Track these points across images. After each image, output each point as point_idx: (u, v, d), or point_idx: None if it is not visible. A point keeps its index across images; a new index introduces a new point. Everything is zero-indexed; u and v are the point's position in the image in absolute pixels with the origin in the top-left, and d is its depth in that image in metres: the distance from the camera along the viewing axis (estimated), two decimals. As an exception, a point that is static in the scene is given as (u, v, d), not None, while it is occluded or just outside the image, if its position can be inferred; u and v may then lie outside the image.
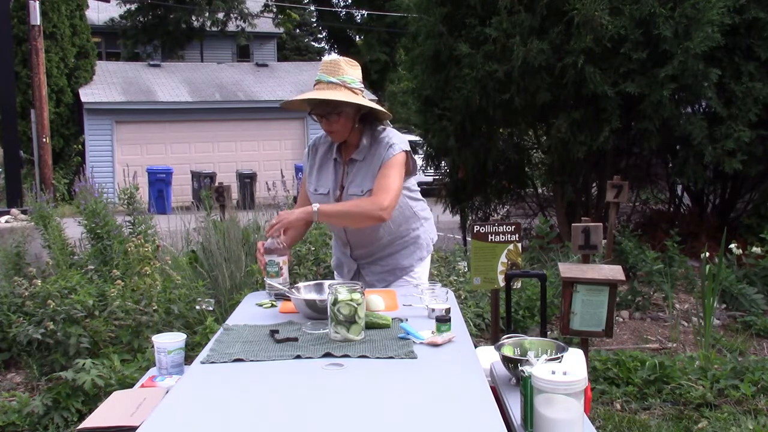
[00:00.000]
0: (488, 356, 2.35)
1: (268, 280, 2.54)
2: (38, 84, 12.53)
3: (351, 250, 2.88)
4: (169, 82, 17.89)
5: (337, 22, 26.26)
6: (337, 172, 2.77)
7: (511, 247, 3.68)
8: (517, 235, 3.66)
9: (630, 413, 3.59)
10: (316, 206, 2.57)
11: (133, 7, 22.39)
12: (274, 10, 24.51)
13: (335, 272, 3.07)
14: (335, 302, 1.98)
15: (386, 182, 2.60)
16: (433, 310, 2.21)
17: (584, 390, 1.79)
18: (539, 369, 1.81)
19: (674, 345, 4.74)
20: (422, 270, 2.94)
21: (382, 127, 2.74)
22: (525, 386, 1.86)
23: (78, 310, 4.09)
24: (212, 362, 1.85)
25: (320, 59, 26.66)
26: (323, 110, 2.64)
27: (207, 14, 22.52)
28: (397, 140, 2.68)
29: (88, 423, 1.96)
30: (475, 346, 2.16)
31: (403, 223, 2.83)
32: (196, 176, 15.21)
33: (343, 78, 2.60)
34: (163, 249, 5.26)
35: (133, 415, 1.96)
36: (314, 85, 2.66)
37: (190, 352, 3.08)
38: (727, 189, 7.87)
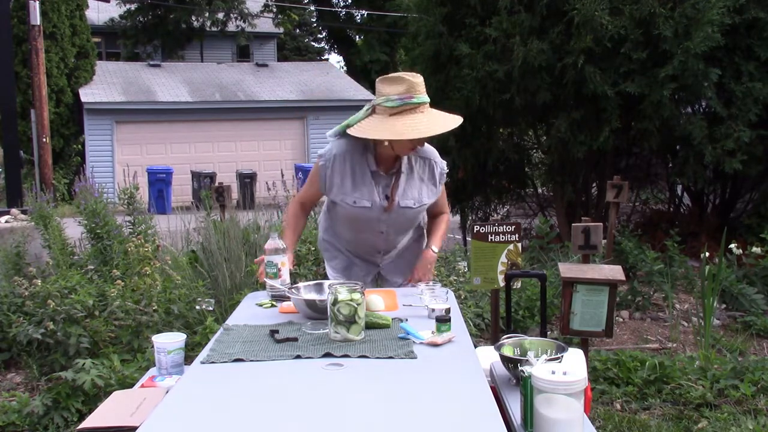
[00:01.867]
0: (488, 356, 2.35)
1: (267, 281, 2.54)
2: (38, 84, 12.53)
3: (382, 256, 2.97)
4: (169, 82, 17.89)
5: (337, 22, 26.25)
6: (378, 184, 2.76)
7: (511, 247, 3.68)
8: (517, 235, 3.66)
9: (630, 413, 3.59)
10: (435, 248, 2.92)
11: (133, 7, 22.37)
12: (274, 10, 24.50)
13: (341, 276, 3.00)
14: (335, 302, 1.98)
15: (444, 192, 2.99)
16: (433, 310, 2.21)
17: (584, 390, 1.79)
18: (539, 369, 1.82)
19: (674, 345, 4.74)
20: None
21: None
22: (525, 386, 1.87)
23: (78, 310, 4.09)
24: (212, 362, 1.85)
25: (320, 59, 26.75)
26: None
27: (207, 14, 22.50)
28: (440, 158, 2.90)
29: (88, 423, 1.96)
30: (475, 346, 2.16)
31: (422, 219, 3.04)
32: (196, 176, 15.21)
33: (426, 96, 2.63)
34: (163, 249, 5.26)
35: (133, 415, 1.96)
36: (417, 107, 2.58)
37: (190, 352, 3.07)
38: (727, 189, 7.86)
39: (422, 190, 2.82)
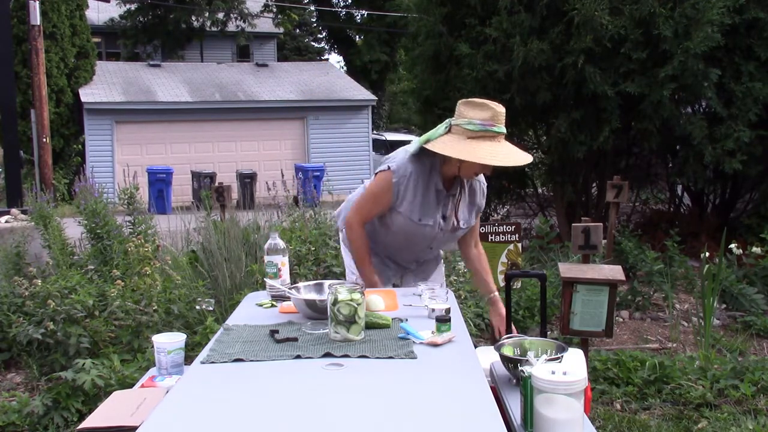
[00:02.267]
0: (488, 356, 2.35)
1: (267, 281, 2.54)
2: (38, 84, 12.52)
3: (418, 264, 3.04)
4: (169, 82, 17.89)
5: (337, 22, 26.25)
6: (441, 204, 2.80)
7: (511, 247, 3.69)
8: (517, 235, 3.67)
9: (630, 413, 3.59)
10: (494, 294, 2.99)
11: (133, 7, 22.37)
12: (274, 10, 24.50)
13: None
14: (335, 302, 1.98)
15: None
16: (433, 310, 2.21)
17: (584, 390, 1.79)
18: (539, 369, 1.82)
19: (674, 345, 4.74)
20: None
21: None
22: (525, 386, 1.86)
23: (78, 310, 4.09)
24: (212, 362, 1.85)
25: (320, 59, 26.73)
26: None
27: (207, 14, 22.49)
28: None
29: (88, 423, 1.96)
30: (475, 346, 2.16)
31: None
32: (196, 176, 15.20)
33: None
34: (163, 249, 5.26)
35: (133, 415, 1.96)
36: (496, 136, 2.61)
37: (190, 352, 3.07)
38: (727, 189, 7.87)
39: (471, 210, 2.91)
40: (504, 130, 2.63)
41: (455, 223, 2.84)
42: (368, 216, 2.84)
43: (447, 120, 2.71)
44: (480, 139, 2.59)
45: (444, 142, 2.64)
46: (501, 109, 2.62)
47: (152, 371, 2.41)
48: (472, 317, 4.73)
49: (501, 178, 8.04)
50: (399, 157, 2.79)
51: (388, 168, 2.77)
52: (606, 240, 5.60)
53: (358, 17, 26.20)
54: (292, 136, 17.78)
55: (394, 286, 3.00)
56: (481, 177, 2.89)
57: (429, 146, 2.66)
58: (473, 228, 3.00)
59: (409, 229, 2.81)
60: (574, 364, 1.92)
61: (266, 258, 2.57)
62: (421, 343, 1.98)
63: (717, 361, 4.12)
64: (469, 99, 2.69)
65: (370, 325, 2.08)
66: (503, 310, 2.94)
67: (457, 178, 2.80)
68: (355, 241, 2.85)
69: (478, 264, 3.05)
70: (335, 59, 32.08)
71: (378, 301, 2.33)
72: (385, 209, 2.80)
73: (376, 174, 2.85)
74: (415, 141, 2.79)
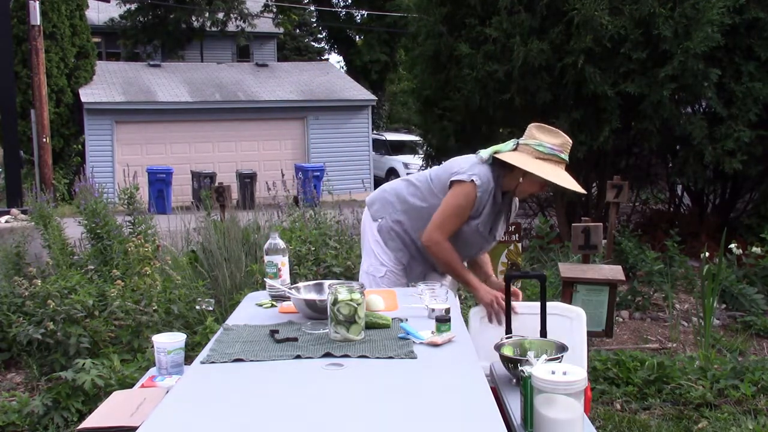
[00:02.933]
0: (488, 356, 2.35)
1: (267, 281, 2.54)
2: (38, 84, 12.52)
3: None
4: (169, 82, 17.88)
5: (337, 22, 26.25)
6: (495, 217, 2.93)
7: (511, 247, 3.69)
8: (517, 235, 3.67)
9: (630, 413, 3.59)
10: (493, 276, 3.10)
11: (133, 7, 22.36)
12: (274, 10, 24.49)
13: (396, 264, 3.03)
14: (335, 302, 1.98)
15: None
16: (433, 310, 2.21)
17: (584, 390, 1.79)
18: (539, 369, 1.82)
19: (674, 345, 4.74)
20: None
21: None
22: (525, 386, 1.87)
23: (78, 310, 4.09)
24: (212, 362, 1.85)
25: (320, 59, 26.73)
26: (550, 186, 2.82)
27: (207, 14, 22.48)
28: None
29: (88, 423, 1.96)
30: (475, 346, 2.16)
31: None
32: (196, 176, 15.20)
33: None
34: (163, 249, 5.26)
35: (133, 415, 1.96)
36: (558, 162, 2.77)
37: (190, 352, 3.07)
38: (727, 189, 7.87)
39: (507, 223, 3.08)
40: (567, 160, 2.79)
41: (497, 235, 3.00)
42: (453, 230, 2.83)
43: (514, 139, 2.85)
44: (547, 161, 2.75)
45: (517, 158, 2.77)
46: (570, 140, 2.82)
47: (152, 371, 2.41)
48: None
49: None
50: (478, 169, 2.81)
51: (472, 181, 2.78)
52: (606, 240, 5.60)
53: (358, 17, 26.19)
54: (292, 136, 17.77)
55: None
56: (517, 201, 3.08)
57: (504, 157, 2.77)
58: None
59: (472, 239, 2.89)
60: (574, 364, 1.92)
61: (266, 258, 2.56)
62: (421, 343, 1.98)
63: (717, 361, 4.11)
64: (542, 124, 2.84)
65: (370, 325, 2.08)
66: (496, 288, 2.93)
67: (507, 193, 2.92)
68: (447, 255, 2.83)
69: (485, 266, 3.12)
70: (335, 59, 32.08)
71: (378, 301, 2.32)
72: (465, 219, 2.84)
73: (453, 183, 2.83)
74: (484, 151, 2.85)
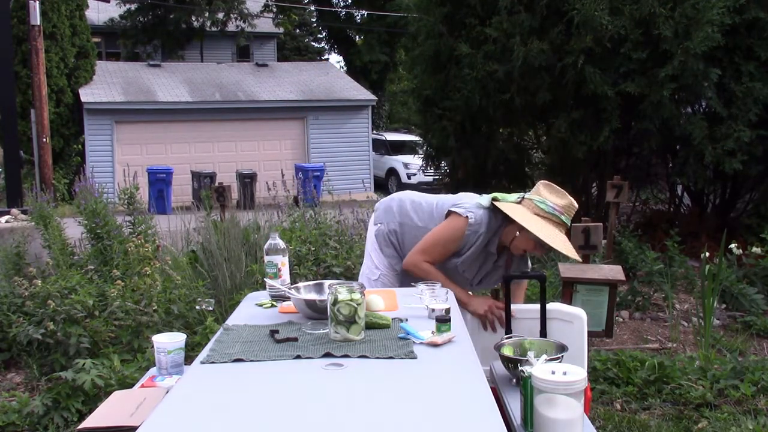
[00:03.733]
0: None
1: (267, 281, 2.54)
2: (38, 84, 12.52)
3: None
4: (169, 82, 17.88)
5: (337, 22, 26.24)
6: (486, 265, 2.93)
7: (511, 247, 3.68)
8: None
9: (630, 413, 3.59)
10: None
11: (133, 7, 22.36)
12: (274, 10, 24.49)
13: (389, 269, 3.07)
14: (335, 302, 1.98)
15: None
16: (433, 310, 2.21)
17: (584, 390, 1.79)
18: (539, 369, 1.82)
19: (674, 345, 4.74)
20: None
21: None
22: (525, 386, 1.87)
23: (78, 310, 4.09)
24: (212, 362, 1.85)
25: (320, 59, 26.72)
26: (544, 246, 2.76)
27: (207, 14, 22.49)
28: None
29: (88, 423, 1.96)
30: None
31: None
32: (196, 176, 15.20)
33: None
34: (163, 249, 5.26)
35: (133, 415, 1.96)
36: (560, 225, 2.74)
37: (190, 352, 3.08)
38: (727, 189, 7.86)
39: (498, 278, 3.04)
40: (569, 223, 2.77)
41: (480, 282, 3.00)
42: (436, 259, 2.85)
43: (521, 193, 2.84)
44: (546, 219, 2.71)
45: (513, 209, 2.73)
46: (575, 204, 2.77)
47: (152, 371, 2.41)
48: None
49: (501, 179, 8.04)
50: (477, 210, 2.82)
51: (466, 217, 2.80)
52: (606, 240, 5.60)
53: (358, 17, 26.19)
54: (292, 136, 17.77)
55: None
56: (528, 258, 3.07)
57: (503, 206, 2.75)
58: None
59: (450, 273, 2.88)
60: (574, 364, 1.92)
61: (266, 258, 2.56)
62: (421, 343, 1.98)
63: (717, 361, 4.11)
64: (551, 183, 2.80)
65: (370, 325, 2.08)
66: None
67: (505, 249, 2.89)
68: (429, 273, 2.81)
69: None
70: (335, 59, 32.09)
71: (378, 301, 2.33)
72: (451, 253, 2.86)
73: (450, 213, 2.86)
74: (485, 197, 2.85)
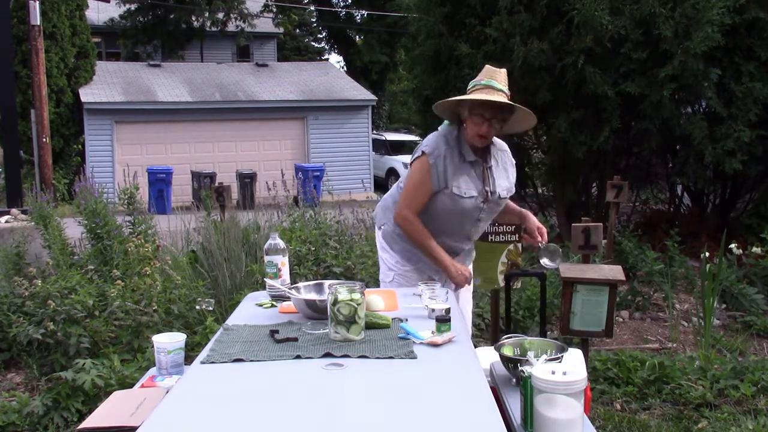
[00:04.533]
0: (488, 356, 2.35)
1: (267, 281, 2.54)
2: (38, 84, 12.52)
3: (470, 242, 3.07)
4: (169, 82, 17.88)
5: (337, 22, 26.24)
6: (479, 175, 2.89)
7: (511, 247, 3.68)
8: (517, 235, 3.66)
9: (630, 413, 3.59)
10: (542, 244, 3.03)
11: (133, 7, 22.36)
12: (274, 10, 24.49)
13: (407, 264, 3.05)
14: (335, 302, 1.98)
15: None
16: (433, 310, 2.21)
17: (584, 390, 1.79)
18: (539, 369, 1.82)
19: (674, 345, 4.74)
20: None
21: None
22: (525, 386, 1.87)
23: (78, 310, 4.09)
24: (212, 362, 1.85)
25: (320, 59, 26.72)
26: (492, 113, 2.77)
27: (207, 14, 22.48)
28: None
29: (88, 423, 1.96)
30: (475, 346, 2.16)
31: None
32: (196, 176, 15.20)
33: (507, 90, 2.81)
34: (163, 249, 5.26)
35: (133, 415, 1.96)
36: (481, 89, 2.77)
37: (190, 352, 3.07)
38: (727, 189, 7.86)
39: (509, 180, 3.01)
40: (495, 84, 2.76)
41: (497, 192, 2.92)
42: (419, 205, 2.88)
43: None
44: (475, 92, 2.77)
45: (445, 101, 2.84)
46: (497, 69, 2.82)
47: (152, 371, 2.41)
48: (472, 317, 4.73)
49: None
50: (430, 140, 2.90)
51: (422, 153, 2.86)
52: (606, 240, 5.60)
53: (358, 17, 26.19)
54: (292, 136, 17.77)
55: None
56: (505, 147, 3.02)
57: (437, 106, 2.85)
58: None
59: (456, 207, 2.86)
60: (574, 364, 1.92)
61: (266, 258, 2.56)
62: (421, 343, 1.98)
63: (717, 361, 4.11)
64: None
65: (370, 325, 2.08)
66: (532, 226, 3.04)
67: (488, 150, 2.91)
68: (415, 229, 2.88)
69: (514, 210, 3.16)
70: (335, 59, 32.10)
71: (378, 301, 2.33)
72: (429, 193, 2.86)
73: (411, 163, 2.93)
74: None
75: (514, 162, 3.08)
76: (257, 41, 24.69)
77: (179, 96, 17.08)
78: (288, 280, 2.60)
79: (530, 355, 2.02)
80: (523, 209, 3.19)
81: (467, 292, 3.15)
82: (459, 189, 2.84)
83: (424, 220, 2.90)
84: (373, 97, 19.00)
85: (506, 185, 2.98)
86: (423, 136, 8.82)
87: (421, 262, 2.98)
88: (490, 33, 6.73)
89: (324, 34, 28.93)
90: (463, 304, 3.05)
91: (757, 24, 6.43)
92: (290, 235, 5.29)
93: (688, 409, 3.61)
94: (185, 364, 2.36)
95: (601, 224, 4.09)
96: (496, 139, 2.99)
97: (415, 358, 1.86)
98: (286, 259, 2.60)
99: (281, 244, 2.59)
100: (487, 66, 2.85)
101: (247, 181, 14.80)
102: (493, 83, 2.76)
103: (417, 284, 2.92)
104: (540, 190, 8.87)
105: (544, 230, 3.06)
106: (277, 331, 2.07)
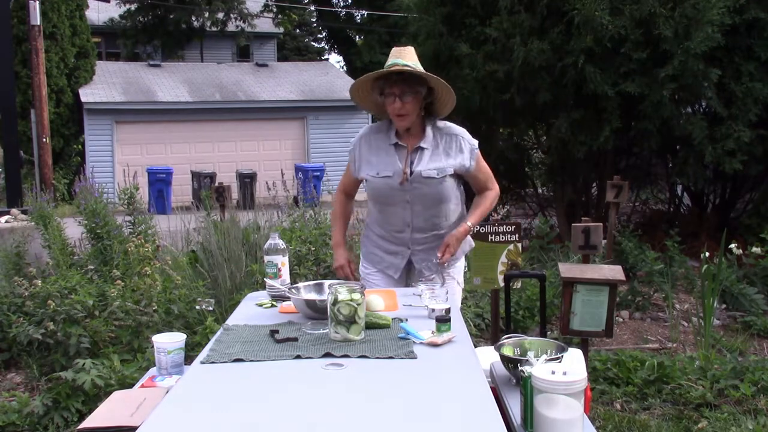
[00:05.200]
0: (488, 356, 2.35)
1: (267, 281, 2.54)
2: (38, 84, 12.53)
3: (411, 232, 2.96)
4: (169, 82, 17.88)
5: (337, 22, 26.24)
6: (400, 156, 2.92)
7: (511, 247, 3.68)
8: (517, 235, 3.67)
9: (630, 413, 3.59)
10: (469, 222, 2.94)
11: (133, 7, 22.35)
12: (274, 10, 24.49)
13: (373, 268, 3.07)
14: (335, 302, 1.98)
15: (487, 170, 3.05)
16: (433, 310, 2.21)
17: (584, 390, 1.79)
18: (539, 369, 1.82)
19: (674, 345, 4.74)
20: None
21: (443, 121, 3.01)
22: (525, 386, 1.86)
23: (78, 310, 4.09)
24: (212, 362, 1.85)
25: (320, 59, 26.69)
26: (400, 89, 2.80)
27: (207, 14, 22.48)
28: (471, 137, 3.01)
29: (88, 423, 1.96)
30: (475, 346, 2.16)
31: (461, 205, 3.06)
32: (196, 176, 15.20)
33: (416, 65, 2.85)
34: (163, 249, 5.26)
35: (133, 415, 1.96)
36: (391, 68, 2.83)
37: (190, 352, 3.07)
38: (727, 189, 7.86)
39: (447, 162, 2.91)
40: (400, 62, 2.82)
41: (420, 172, 2.86)
42: (344, 183, 3.16)
43: None
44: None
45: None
46: (403, 47, 2.93)
47: (152, 371, 2.41)
48: (472, 317, 4.74)
49: (501, 179, 8.04)
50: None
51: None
52: (606, 240, 5.60)
53: (358, 17, 26.19)
54: (292, 136, 17.77)
55: (410, 277, 3.03)
56: (467, 136, 2.98)
57: (352, 98, 3.06)
58: (479, 181, 3.02)
59: (378, 188, 2.95)
60: (574, 364, 1.92)
61: (266, 258, 2.57)
62: (421, 343, 1.98)
63: (717, 361, 4.11)
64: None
65: (370, 325, 2.08)
66: (459, 236, 2.92)
67: (422, 132, 2.93)
68: (333, 209, 3.19)
69: (477, 200, 3.06)
70: (335, 59, 32.08)
71: (378, 301, 2.33)
72: (351, 176, 3.08)
73: None
74: None
75: (472, 147, 2.96)
76: (257, 41, 24.68)
77: (179, 96, 17.08)
78: (288, 280, 2.60)
79: (530, 355, 2.02)
80: (470, 219, 2.99)
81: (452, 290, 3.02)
82: (372, 170, 2.93)
83: (374, 211, 3.04)
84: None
85: (439, 167, 2.87)
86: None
87: (382, 263, 3.03)
88: (490, 33, 6.73)
89: (324, 34, 28.93)
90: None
91: (757, 24, 6.43)
92: (290, 235, 5.29)
93: (688, 409, 3.61)
94: (185, 364, 2.36)
95: (601, 224, 4.09)
96: (445, 123, 2.99)
97: (415, 358, 1.86)
98: (286, 259, 2.60)
99: (281, 244, 2.60)
100: (394, 48, 2.94)
101: (247, 181, 14.80)
102: (398, 61, 2.82)
103: (379, 287, 2.96)
104: (540, 190, 8.87)
105: (453, 249, 2.88)
106: (277, 331, 2.07)
